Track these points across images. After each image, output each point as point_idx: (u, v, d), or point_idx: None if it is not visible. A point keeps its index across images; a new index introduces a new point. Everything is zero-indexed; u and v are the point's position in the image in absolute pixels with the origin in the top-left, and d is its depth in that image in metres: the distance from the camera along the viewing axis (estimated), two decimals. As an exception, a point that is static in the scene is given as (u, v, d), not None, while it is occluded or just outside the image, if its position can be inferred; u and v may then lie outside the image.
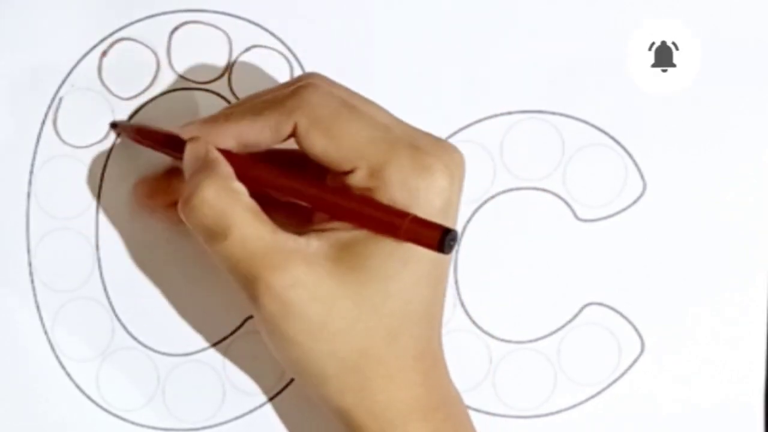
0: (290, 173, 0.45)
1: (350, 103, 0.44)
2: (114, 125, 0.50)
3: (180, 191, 0.45)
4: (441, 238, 0.41)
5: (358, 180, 0.43)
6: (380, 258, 0.43)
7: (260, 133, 0.44)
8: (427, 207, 0.43)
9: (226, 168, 0.44)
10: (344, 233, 0.44)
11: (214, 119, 0.46)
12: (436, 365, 0.46)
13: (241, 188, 0.44)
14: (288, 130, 0.44)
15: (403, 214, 0.42)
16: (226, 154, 0.45)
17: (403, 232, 0.42)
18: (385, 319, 0.44)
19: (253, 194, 0.44)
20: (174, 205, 0.45)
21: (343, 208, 0.43)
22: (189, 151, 0.45)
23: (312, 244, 0.44)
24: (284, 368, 0.49)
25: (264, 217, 0.44)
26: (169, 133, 0.47)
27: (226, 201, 0.43)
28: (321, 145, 0.43)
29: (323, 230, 0.44)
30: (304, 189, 0.44)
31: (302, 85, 0.44)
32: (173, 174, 0.49)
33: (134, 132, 0.50)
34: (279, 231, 0.43)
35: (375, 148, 0.43)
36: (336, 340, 0.44)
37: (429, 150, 0.44)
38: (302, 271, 0.43)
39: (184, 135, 0.46)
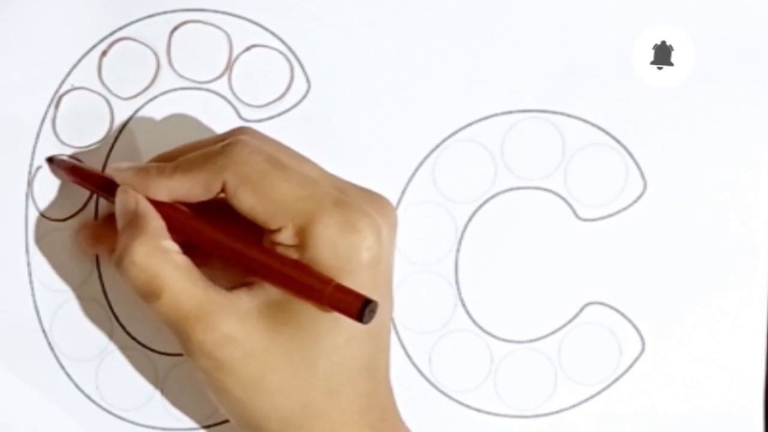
0: (221, 229, 0.45)
1: (278, 161, 0.44)
2: (50, 160, 0.50)
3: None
4: (361, 308, 0.41)
5: (285, 238, 0.43)
6: (311, 315, 0.43)
7: (191, 189, 0.45)
8: (354, 265, 0.43)
9: (157, 223, 0.44)
10: (277, 292, 0.44)
11: (147, 170, 0.46)
12: (385, 418, 0.46)
13: (171, 246, 0.44)
14: (218, 187, 0.44)
15: (326, 281, 0.42)
16: (158, 204, 0.45)
17: (325, 298, 0.42)
18: (321, 375, 0.44)
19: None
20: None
21: (269, 269, 0.44)
22: (120, 202, 0.46)
23: (244, 300, 0.44)
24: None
25: (196, 273, 0.44)
26: (103, 176, 0.48)
27: (157, 262, 0.43)
28: (249, 204, 0.44)
29: (255, 285, 0.44)
30: (231, 247, 0.44)
31: (231, 142, 0.44)
32: (112, 222, 0.48)
33: (69, 170, 0.49)
34: (210, 287, 0.44)
35: (301, 206, 0.43)
36: (276, 396, 0.44)
37: (356, 206, 0.44)
38: (234, 329, 0.43)
39: (118, 180, 0.46)
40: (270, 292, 0.44)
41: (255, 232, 0.45)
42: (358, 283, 0.43)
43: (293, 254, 0.43)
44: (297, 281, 0.43)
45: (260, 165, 0.44)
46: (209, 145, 0.45)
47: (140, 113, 0.51)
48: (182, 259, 0.44)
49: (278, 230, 0.44)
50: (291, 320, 0.43)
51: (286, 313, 0.43)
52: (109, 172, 0.47)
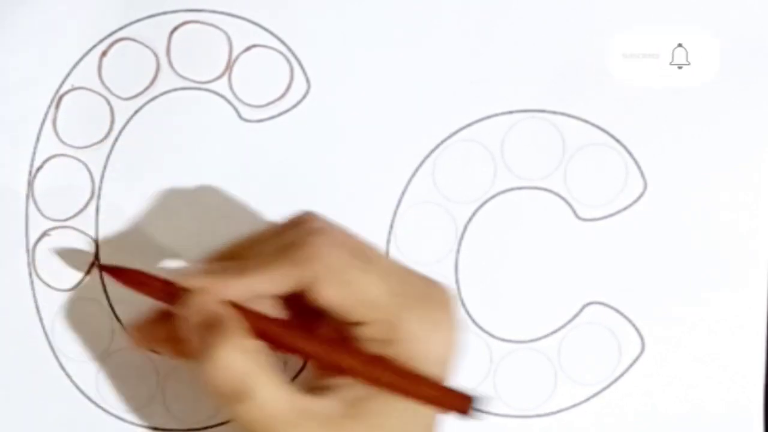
0: (302, 329, 0.44)
1: (362, 253, 0.43)
2: (101, 267, 0.49)
3: (177, 332, 0.44)
4: (470, 406, 0.43)
5: (370, 333, 0.43)
6: (395, 414, 0.43)
7: (272, 285, 0.43)
8: (440, 359, 0.44)
9: (238, 323, 0.43)
10: (359, 389, 0.43)
11: (223, 269, 0.44)
12: None
13: (258, 346, 0.43)
14: (301, 282, 0.42)
15: (431, 384, 0.43)
16: (237, 308, 0.44)
17: (433, 400, 0.43)
18: None
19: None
20: (171, 339, 0.45)
21: (362, 371, 0.43)
22: (195, 305, 0.43)
23: (327, 404, 0.43)
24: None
25: (282, 376, 0.43)
26: (166, 281, 0.45)
27: (243, 363, 0.42)
28: (335, 298, 0.43)
29: (338, 386, 0.44)
30: (318, 349, 0.44)
31: (310, 233, 0.43)
32: (166, 318, 0.46)
33: (129, 280, 0.46)
34: (296, 393, 0.42)
35: (388, 302, 0.43)
36: None
37: (437, 302, 0.44)
38: None
39: (189, 285, 0.44)
40: (353, 392, 0.43)
41: (328, 323, 0.44)
42: (440, 375, 0.43)
43: (377, 347, 0.43)
44: (397, 384, 0.43)
45: (344, 258, 0.42)
46: (273, 235, 0.44)
47: (140, 113, 0.51)
48: (268, 361, 0.43)
49: (361, 324, 0.43)
50: (374, 423, 0.43)
51: (369, 416, 0.43)
52: (177, 276, 0.45)
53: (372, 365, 0.43)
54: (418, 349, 0.43)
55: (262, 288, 0.43)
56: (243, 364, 0.42)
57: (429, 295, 0.44)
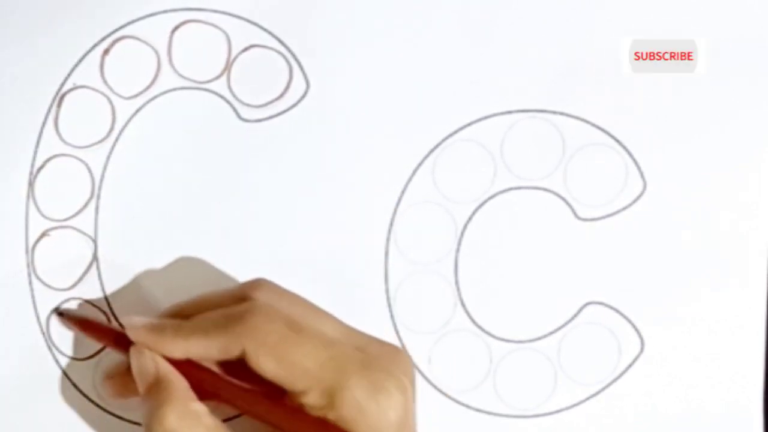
0: (244, 387, 0.45)
1: (298, 325, 0.44)
2: (60, 313, 0.50)
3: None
4: None
5: (312, 400, 0.44)
6: None
7: (208, 352, 0.45)
8: (383, 424, 0.44)
9: (181, 385, 0.45)
10: None
11: (163, 329, 0.46)
12: None
13: (200, 408, 0.44)
14: (236, 352, 0.44)
15: None
16: (178, 363, 0.45)
17: None
18: None
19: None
20: None
21: (299, 430, 0.44)
22: (137, 364, 0.46)
23: None
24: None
25: None
26: (116, 331, 0.48)
27: (188, 426, 0.44)
28: (270, 370, 0.44)
29: None
30: (259, 407, 0.45)
31: (249, 309, 0.45)
32: None
33: (79, 324, 0.50)
34: None
35: (325, 371, 0.44)
36: None
37: (381, 366, 0.44)
38: None
39: (132, 337, 0.46)
40: None
41: (277, 387, 0.45)
42: None
43: (321, 413, 0.44)
44: None
45: (280, 331, 0.44)
46: (225, 300, 0.46)
47: (141, 113, 0.50)
48: (213, 422, 0.44)
49: (303, 392, 0.44)
50: None
51: None
52: (124, 325, 0.47)
53: (315, 428, 0.44)
54: (362, 415, 0.44)
55: (199, 353, 0.45)
56: (186, 427, 0.43)
57: (376, 359, 0.45)
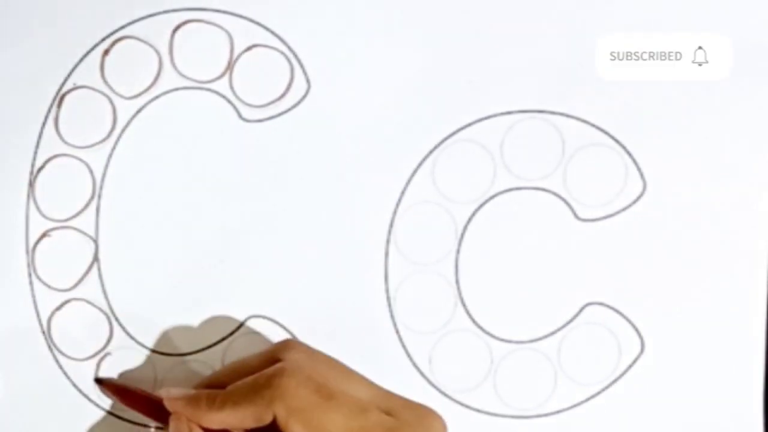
0: None
1: (328, 391, 0.45)
2: (99, 381, 0.51)
3: None
4: None
5: None
6: None
7: (242, 422, 0.46)
8: None
9: None
10: None
11: (198, 401, 0.47)
12: None
13: None
14: (268, 419, 0.45)
15: None
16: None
17: None
18: None
19: None
20: None
21: None
22: (175, 430, 0.47)
23: None
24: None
25: None
26: (154, 400, 0.49)
27: None
28: None
29: None
30: None
31: (279, 374, 0.45)
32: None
33: (118, 393, 0.50)
34: None
35: None
36: None
37: (414, 429, 0.45)
38: None
39: (169, 408, 0.48)
40: None
41: None
42: None
43: None
44: None
45: (310, 397, 0.45)
46: (257, 365, 0.47)
47: (142, 112, 0.51)
48: None
49: None
50: None
51: None
52: (163, 397, 0.48)
53: None
54: None
55: (233, 423, 0.46)
56: None
57: (407, 426, 0.45)
